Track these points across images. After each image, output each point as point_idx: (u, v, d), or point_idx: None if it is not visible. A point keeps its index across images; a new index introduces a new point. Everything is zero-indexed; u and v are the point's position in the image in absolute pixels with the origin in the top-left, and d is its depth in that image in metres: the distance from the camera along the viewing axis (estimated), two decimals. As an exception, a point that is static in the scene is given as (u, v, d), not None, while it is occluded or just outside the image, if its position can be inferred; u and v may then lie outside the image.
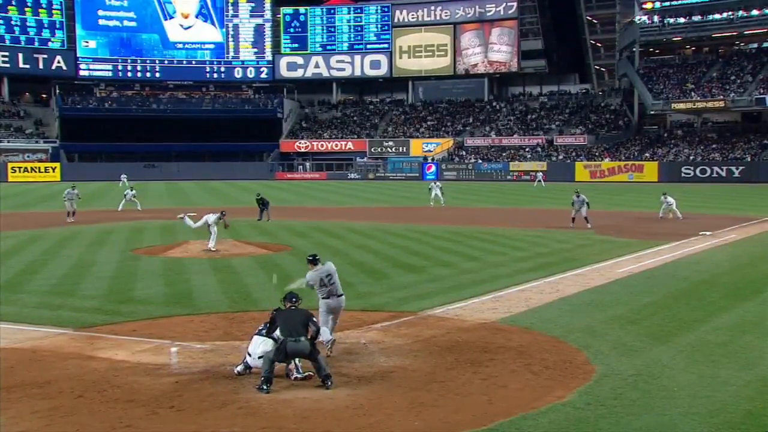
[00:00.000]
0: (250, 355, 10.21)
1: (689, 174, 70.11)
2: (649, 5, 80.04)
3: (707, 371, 10.15)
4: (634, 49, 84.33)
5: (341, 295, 11.23)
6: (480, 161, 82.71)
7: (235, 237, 26.63)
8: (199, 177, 79.18)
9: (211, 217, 23.20)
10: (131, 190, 40.88)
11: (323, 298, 11.10)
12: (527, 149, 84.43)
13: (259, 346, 10.11)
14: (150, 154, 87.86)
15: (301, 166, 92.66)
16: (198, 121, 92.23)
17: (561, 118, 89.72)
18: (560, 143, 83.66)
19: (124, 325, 13.11)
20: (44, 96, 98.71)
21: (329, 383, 9.46)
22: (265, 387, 9.41)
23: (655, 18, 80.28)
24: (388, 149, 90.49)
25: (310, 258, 11.41)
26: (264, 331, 10.21)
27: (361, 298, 15.18)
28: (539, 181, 68.21)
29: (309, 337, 9.64)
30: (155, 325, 13.15)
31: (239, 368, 10.21)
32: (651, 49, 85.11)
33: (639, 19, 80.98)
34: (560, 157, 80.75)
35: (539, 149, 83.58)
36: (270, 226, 30.69)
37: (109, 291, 16.26)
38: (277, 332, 9.92)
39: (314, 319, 9.78)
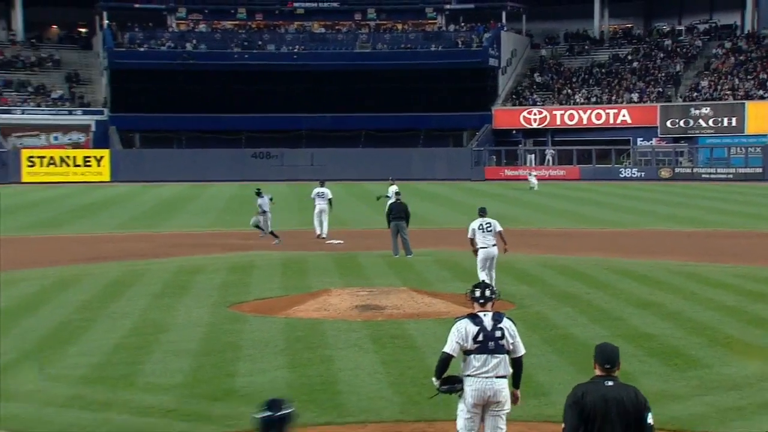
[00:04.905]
0: None
1: None
2: None
3: None
4: None
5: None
6: None
7: (414, 282, 27.09)
8: (348, 174, 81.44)
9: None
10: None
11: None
12: None
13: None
14: (263, 134, 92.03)
15: (531, 156, 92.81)
16: (346, 74, 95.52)
17: None
18: None
19: (218, 440, 13.66)
20: (83, 30, 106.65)
21: None
22: None
23: None
24: (701, 122, 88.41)
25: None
26: None
27: (652, 402, 14.72)
28: None
29: None
30: (271, 442, 13.54)
31: None
32: None
33: None
34: None
35: None
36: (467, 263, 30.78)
37: (193, 378, 17.06)
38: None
39: (650, 418, 9.31)
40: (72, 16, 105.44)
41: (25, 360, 18.41)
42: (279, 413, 7.57)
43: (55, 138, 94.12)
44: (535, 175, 77.25)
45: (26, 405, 15.45)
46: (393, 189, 44.08)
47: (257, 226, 39.44)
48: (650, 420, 9.12)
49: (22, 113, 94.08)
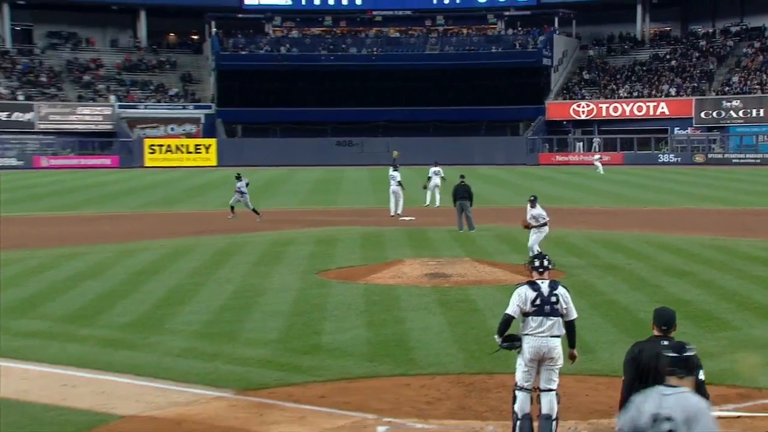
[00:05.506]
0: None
1: None
2: None
3: None
4: None
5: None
6: None
7: (476, 254, 27.08)
8: (418, 160, 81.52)
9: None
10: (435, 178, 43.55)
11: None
12: None
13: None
14: (345, 125, 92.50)
15: (579, 143, 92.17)
16: (418, 73, 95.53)
17: None
18: None
19: (307, 388, 13.79)
20: (195, 37, 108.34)
21: None
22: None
23: None
24: (731, 113, 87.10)
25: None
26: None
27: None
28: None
29: None
30: (353, 390, 13.67)
31: None
32: None
33: None
34: None
35: None
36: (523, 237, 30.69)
37: (286, 334, 17.27)
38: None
39: (702, 375, 9.10)
40: (186, 26, 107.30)
41: (146, 318, 18.78)
42: (684, 354, 7.49)
43: (172, 129, 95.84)
44: (599, 159, 76.56)
45: (148, 355, 15.81)
46: (433, 170, 44.18)
47: (232, 207, 38.54)
48: (701, 376, 8.79)
49: (145, 108, 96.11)
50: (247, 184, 38.64)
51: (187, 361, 15.37)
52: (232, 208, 38.47)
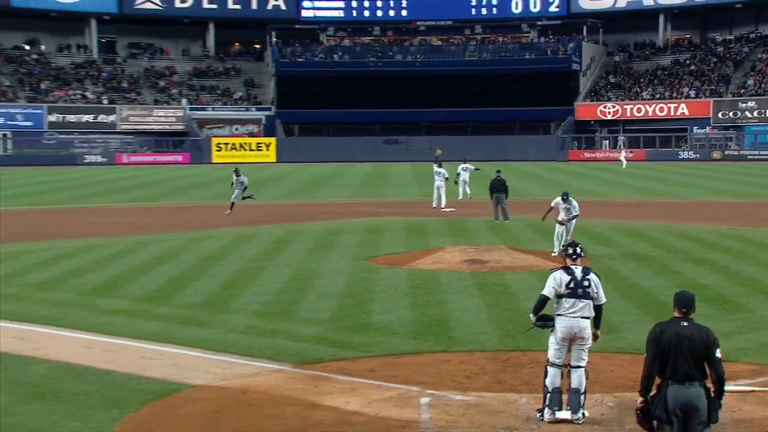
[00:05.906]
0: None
1: None
2: None
3: None
4: None
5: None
6: None
7: (511, 242, 27.00)
8: (457, 157, 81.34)
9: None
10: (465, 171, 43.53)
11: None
12: None
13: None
14: (392, 125, 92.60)
15: (606, 141, 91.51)
16: (458, 77, 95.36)
17: None
18: None
19: (358, 363, 13.84)
20: (257, 46, 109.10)
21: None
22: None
23: None
24: (747, 114, 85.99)
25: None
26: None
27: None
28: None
29: (708, 383, 8.86)
30: (399, 365, 13.71)
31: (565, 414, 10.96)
32: None
33: None
34: None
35: None
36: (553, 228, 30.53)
37: (338, 314, 17.32)
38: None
39: (719, 353, 8.95)
40: (249, 36, 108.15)
41: (214, 298, 18.94)
42: None
43: (236, 129, 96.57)
44: (625, 156, 76.06)
45: (216, 331, 15.94)
46: (461, 167, 44.00)
47: (232, 204, 37.28)
48: (718, 354, 8.82)
49: (213, 110, 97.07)
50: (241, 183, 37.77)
51: (250, 337, 15.49)
52: (233, 204, 37.32)
